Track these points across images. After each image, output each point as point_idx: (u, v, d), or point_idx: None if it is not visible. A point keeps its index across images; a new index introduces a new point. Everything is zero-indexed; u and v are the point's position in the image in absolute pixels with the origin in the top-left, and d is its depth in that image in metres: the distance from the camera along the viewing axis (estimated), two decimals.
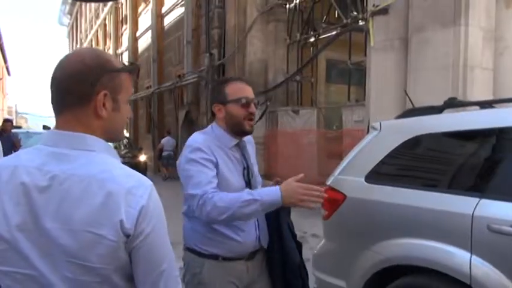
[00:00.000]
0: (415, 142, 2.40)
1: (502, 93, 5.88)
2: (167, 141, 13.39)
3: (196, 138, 1.70)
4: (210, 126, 1.79)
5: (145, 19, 17.55)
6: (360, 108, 7.53)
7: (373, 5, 6.61)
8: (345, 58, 8.74)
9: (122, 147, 13.02)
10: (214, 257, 1.66)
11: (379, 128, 2.54)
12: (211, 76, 11.62)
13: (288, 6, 9.99)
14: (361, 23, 7.57)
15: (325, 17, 9.37)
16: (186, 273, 1.71)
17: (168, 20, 15.68)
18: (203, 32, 12.41)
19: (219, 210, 1.51)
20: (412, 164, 2.55)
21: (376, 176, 2.42)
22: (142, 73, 18.69)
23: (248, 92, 1.73)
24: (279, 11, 10.23)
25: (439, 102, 5.92)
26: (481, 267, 1.86)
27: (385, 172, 2.49)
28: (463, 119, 2.44)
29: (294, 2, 9.67)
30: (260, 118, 10.10)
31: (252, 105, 1.71)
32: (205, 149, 1.64)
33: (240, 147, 1.78)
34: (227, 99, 1.70)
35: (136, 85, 19.03)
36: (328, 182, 2.64)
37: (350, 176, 2.54)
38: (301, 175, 1.61)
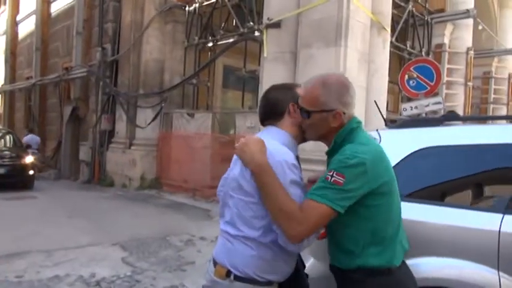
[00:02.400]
0: (425, 154, 2.23)
1: (372, 110, 6.69)
2: (31, 139, 12.16)
3: (285, 150, 1.51)
4: (273, 132, 1.59)
5: (28, 2, 15.78)
6: (253, 115, 7.83)
7: (268, 18, 6.99)
8: (240, 65, 9.01)
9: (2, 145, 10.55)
10: (268, 283, 1.52)
11: (378, 137, 2.34)
12: (103, 72, 10.97)
13: (187, 8, 9.96)
14: (256, 33, 7.91)
15: (223, 23, 9.56)
16: None
17: (56, 7, 14.34)
18: (95, 24, 11.66)
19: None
20: (424, 177, 2.32)
21: None
22: (21, 61, 16.77)
23: None
24: (178, 12, 10.12)
25: None
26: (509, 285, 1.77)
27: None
28: (482, 132, 2.27)
29: (194, 5, 9.68)
30: (154, 119, 9.86)
31: None
32: (296, 166, 1.51)
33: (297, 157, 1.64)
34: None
35: (13, 74, 17.00)
36: None
37: None
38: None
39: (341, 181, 1.34)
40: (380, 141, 2.26)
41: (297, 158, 1.57)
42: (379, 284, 1.44)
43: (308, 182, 1.62)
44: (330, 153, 1.54)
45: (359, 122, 1.54)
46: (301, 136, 1.61)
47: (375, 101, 3.24)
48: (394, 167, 2.06)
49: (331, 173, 1.36)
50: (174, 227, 6.12)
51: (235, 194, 1.51)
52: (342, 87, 1.50)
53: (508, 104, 12.65)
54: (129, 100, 10.45)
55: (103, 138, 11.05)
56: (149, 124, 9.88)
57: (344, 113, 1.48)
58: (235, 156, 1.59)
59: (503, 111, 12.53)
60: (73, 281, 3.92)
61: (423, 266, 1.94)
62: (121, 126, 10.61)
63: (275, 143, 1.51)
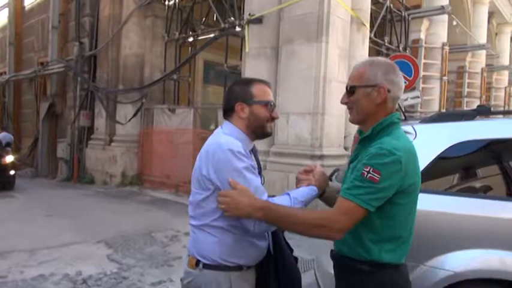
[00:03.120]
0: (463, 147, 2.24)
1: None
2: (4, 137, 11.83)
3: (232, 140, 1.57)
4: (225, 127, 1.67)
5: None
6: None
7: (249, 14, 7.01)
8: (221, 61, 9.00)
9: None
10: (239, 268, 1.60)
11: (413, 132, 2.33)
12: (81, 67, 10.75)
13: (167, 3, 9.86)
14: (238, 29, 7.92)
15: (204, 18, 9.51)
16: None
17: (30, 0, 13.94)
18: (72, 18, 11.38)
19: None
20: (464, 171, 2.37)
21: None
22: None
23: (271, 96, 1.71)
24: (157, 6, 10.01)
25: (304, 109, 6.56)
26: None
27: (433, 180, 2.28)
28: None
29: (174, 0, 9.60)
30: (135, 115, 9.75)
31: (276, 110, 1.71)
32: (246, 154, 1.56)
33: (253, 152, 1.72)
34: (253, 100, 1.65)
35: None
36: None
37: None
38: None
39: (377, 178, 1.34)
40: (416, 136, 2.28)
41: (252, 150, 1.70)
42: (386, 278, 1.46)
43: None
44: (364, 140, 1.53)
45: (399, 118, 1.53)
46: (252, 135, 1.67)
47: (398, 104, 3.36)
48: (432, 161, 2.17)
49: (367, 169, 1.36)
50: (159, 223, 6.11)
51: (194, 188, 1.61)
52: (388, 65, 1.50)
53: (480, 98, 13.07)
54: (109, 96, 10.29)
55: (82, 134, 10.86)
56: (130, 120, 9.77)
57: (389, 91, 1.46)
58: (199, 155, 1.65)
59: (476, 105, 12.96)
60: (58, 279, 3.90)
61: (474, 257, 1.99)
62: (100, 123, 10.45)
63: (226, 136, 1.59)
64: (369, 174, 1.35)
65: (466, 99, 12.91)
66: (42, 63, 12.57)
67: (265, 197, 1.52)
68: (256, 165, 1.63)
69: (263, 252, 1.68)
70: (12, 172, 9.22)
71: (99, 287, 3.76)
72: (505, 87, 15.66)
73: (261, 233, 1.61)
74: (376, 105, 1.47)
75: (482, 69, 13.24)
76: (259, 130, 1.68)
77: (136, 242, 5.17)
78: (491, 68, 14.83)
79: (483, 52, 13.37)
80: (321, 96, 6.10)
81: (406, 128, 2.36)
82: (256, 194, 1.49)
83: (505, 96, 15.48)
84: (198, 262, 1.59)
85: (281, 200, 1.54)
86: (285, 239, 1.79)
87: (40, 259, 4.43)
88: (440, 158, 2.21)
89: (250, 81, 1.71)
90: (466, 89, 12.93)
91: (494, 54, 15.01)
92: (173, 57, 9.77)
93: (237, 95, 1.68)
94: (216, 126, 8.99)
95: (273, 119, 1.69)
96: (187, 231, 5.63)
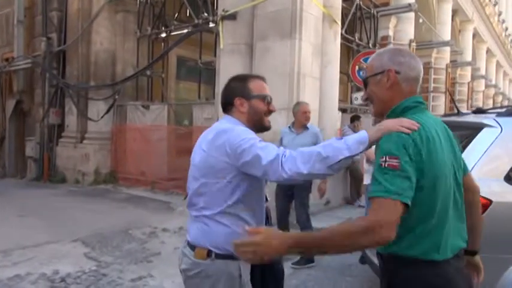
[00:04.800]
0: None
1: (325, 99, 7.00)
2: None
3: (236, 122, 1.68)
4: (226, 120, 1.74)
5: None
6: (209, 106, 7.88)
7: (223, 10, 7.03)
8: (195, 57, 8.99)
9: None
10: None
11: (497, 125, 2.31)
12: (49, 63, 10.45)
13: None
14: (211, 24, 7.93)
15: (176, 14, 9.44)
16: (219, 284, 1.62)
17: None
18: (39, 12, 11.02)
19: (303, 159, 1.43)
20: None
21: None
22: None
23: (268, 90, 1.80)
24: (129, 1, 9.84)
25: (280, 104, 6.68)
26: None
27: None
28: None
29: None
30: (107, 112, 9.59)
31: (273, 103, 1.78)
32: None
33: None
34: (251, 95, 1.73)
35: None
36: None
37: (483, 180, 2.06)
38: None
39: (396, 164, 1.23)
40: (502, 130, 2.27)
41: None
42: (413, 277, 1.31)
43: None
44: None
45: (419, 102, 1.43)
46: (252, 129, 1.70)
47: (452, 99, 3.37)
48: None
49: (383, 159, 1.26)
50: (135, 220, 6.09)
51: (205, 179, 1.64)
52: (394, 49, 1.50)
53: (446, 93, 13.61)
54: (79, 92, 10.07)
55: (51, 132, 10.56)
56: (102, 117, 9.59)
57: (398, 72, 1.40)
58: (195, 148, 1.74)
59: (441, 99, 13.48)
60: (35, 279, 3.85)
61: None
62: (71, 120, 10.21)
63: (228, 124, 1.68)
64: (387, 162, 1.25)
65: (432, 94, 13.42)
66: (7, 59, 12.12)
67: (280, 151, 1.51)
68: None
69: None
70: None
71: (78, 285, 3.75)
72: (468, 82, 16.35)
73: (295, 178, 1.51)
74: (387, 89, 1.42)
75: (446, 65, 13.78)
76: (258, 124, 1.75)
77: (114, 239, 5.15)
78: (455, 64, 15.44)
79: (447, 49, 13.91)
80: (296, 91, 6.22)
81: (487, 121, 2.40)
82: (261, 151, 1.50)
83: (468, 91, 16.17)
84: (209, 252, 1.63)
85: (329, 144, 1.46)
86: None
87: (15, 259, 4.35)
88: None
89: (247, 77, 1.82)
90: (432, 84, 13.43)
91: (458, 50, 15.63)
92: (146, 52, 9.66)
93: (235, 90, 1.76)
94: (190, 123, 8.97)
95: (270, 112, 1.77)
96: (165, 227, 5.67)
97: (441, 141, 1.34)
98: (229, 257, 1.59)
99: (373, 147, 1.43)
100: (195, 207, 1.70)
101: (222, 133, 1.62)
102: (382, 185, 1.23)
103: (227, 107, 1.78)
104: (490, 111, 2.91)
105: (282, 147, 1.56)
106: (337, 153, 1.39)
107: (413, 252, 1.30)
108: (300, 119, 4.40)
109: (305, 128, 4.43)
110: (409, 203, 1.22)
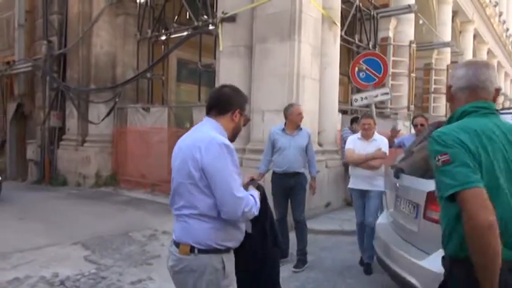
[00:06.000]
0: None
1: (325, 101, 6.99)
2: None
3: (224, 138, 1.78)
4: (213, 125, 1.84)
5: None
6: None
7: (222, 12, 7.04)
8: (195, 59, 8.99)
9: None
10: (228, 250, 1.79)
11: None
12: (50, 66, 10.48)
13: (138, 1, 9.74)
14: (211, 27, 7.94)
15: (176, 17, 9.46)
16: (203, 276, 1.72)
17: None
18: (39, 15, 11.06)
19: (257, 209, 1.75)
20: None
21: None
22: None
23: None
24: (129, 4, 9.88)
25: (279, 106, 6.70)
26: None
27: None
28: None
29: None
30: (108, 115, 9.61)
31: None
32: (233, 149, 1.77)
33: None
34: (244, 112, 1.93)
35: None
36: None
37: None
38: None
39: (448, 159, 1.32)
40: None
41: None
42: (464, 277, 1.33)
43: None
44: None
45: (478, 107, 1.47)
46: (231, 138, 1.87)
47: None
48: None
49: (436, 160, 1.35)
50: (136, 223, 6.09)
51: (186, 180, 1.74)
52: (455, 65, 1.66)
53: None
54: (80, 95, 10.09)
55: (52, 135, 10.59)
56: (103, 120, 9.61)
57: (451, 86, 1.57)
58: (174, 152, 1.85)
59: (442, 100, 13.46)
60: (35, 281, 3.85)
61: None
62: (72, 123, 10.23)
63: (215, 133, 1.78)
64: (440, 160, 1.33)
65: (433, 95, 13.40)
66: (8, 63, 12.16)
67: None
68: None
69: (243, 235, 1.87)
70: None
71: None
72: None
73: (247, 220, 1.83)
74: (450, 100, 1.61)
75: (447, 66, 13.75)
76: (236, 134, 1.94)
77: (114, 242, 5.14)
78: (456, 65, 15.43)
79: (448, 50, 13.90)
80: (295, 93, 6.21)
81: None
82: (235, 185, 1.69)
83: None
84: (192, 248, 1.73)
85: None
86: (273, 225, 2.08)
87: (14, 262, 4.35)
88: None
89: (245, 95, 2.01)
90: (433, 86, 13.41)
91: (458, 51, 15.61)
92: (146, 55, 9.67)
93: (238, 101, 1.91)
94: (191, 125, 8.98)
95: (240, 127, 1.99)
96: (165, 230, 5.66)
97: (503, 145, 1.37)
98: (212, 251, 1.72)
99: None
100: (176, 206, 1.80)
101: (212, 143, 1.73)
102: (447, 182, 1.30)
103: (221, 111, 1.87)
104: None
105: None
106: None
107: (463, 253, 1.31)
108: (295, 120, 4.40)
109: (299, 129, 4.43)
110: (479, 184, 1.26)
